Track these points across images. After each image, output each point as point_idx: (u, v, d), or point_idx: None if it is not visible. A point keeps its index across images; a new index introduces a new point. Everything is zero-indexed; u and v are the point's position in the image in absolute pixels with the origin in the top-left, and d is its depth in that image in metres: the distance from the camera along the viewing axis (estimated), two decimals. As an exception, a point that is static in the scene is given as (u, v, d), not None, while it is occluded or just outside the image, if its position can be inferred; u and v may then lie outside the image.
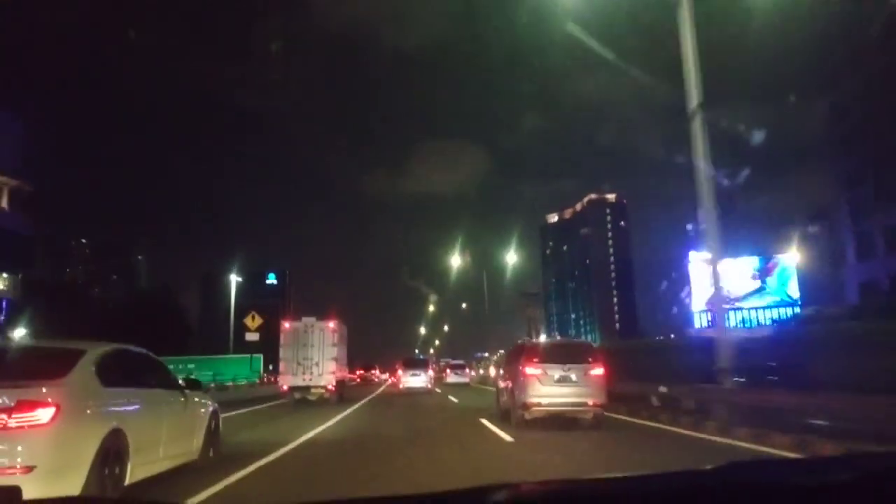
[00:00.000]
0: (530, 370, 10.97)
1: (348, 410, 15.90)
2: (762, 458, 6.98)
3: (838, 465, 2.01)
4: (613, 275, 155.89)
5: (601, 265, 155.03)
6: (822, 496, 1.51)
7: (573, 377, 10.84)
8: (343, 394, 20.98)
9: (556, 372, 10.86)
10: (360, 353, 56.89)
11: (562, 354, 11.42)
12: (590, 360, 11.26)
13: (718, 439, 9.10)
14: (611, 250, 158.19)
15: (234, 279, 38.90)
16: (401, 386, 31.53)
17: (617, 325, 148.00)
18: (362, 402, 20.13)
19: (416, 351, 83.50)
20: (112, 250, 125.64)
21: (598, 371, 11.09)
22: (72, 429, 4.51)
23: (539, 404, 10.81)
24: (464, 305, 62.45)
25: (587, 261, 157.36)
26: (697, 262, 55.96)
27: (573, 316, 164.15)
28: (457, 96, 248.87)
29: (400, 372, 33.37)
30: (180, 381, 6.88)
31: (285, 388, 19.61)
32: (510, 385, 12.17)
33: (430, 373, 33.19)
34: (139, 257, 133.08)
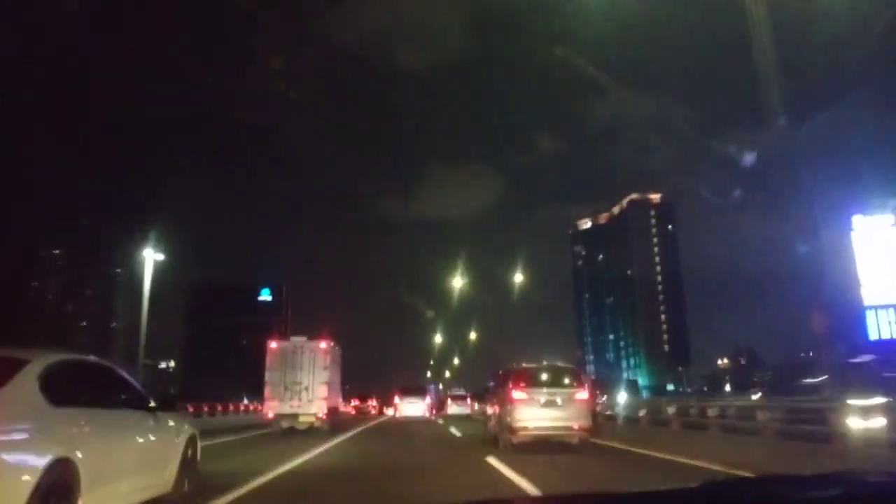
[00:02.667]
0: (517, 394, 12.34)
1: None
2: (742, 477, 7.07)
3: (824, 483, 2.17)
4: (660, 287, 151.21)
5: (646, 276, 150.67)
6: None
7: (559, 401, 12.23)
8: (336, 422, 20.96)
9: (542, 396, 12.26)
10: (364, 380, 56.31)
11: (547, 379, 12.85)
12: (575, 384, 12.64)
13: None
14: (657, 259, 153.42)
15: (151, 256, 27.91)
16: (397, 414, 32.60)
17: (665, 346, 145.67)
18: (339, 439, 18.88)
19: (428, 374, 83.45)
20: (89, 262, 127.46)
21: (583, 395, 12.51)
22: (1, 457, 3.98)
23: (525, 428, 12.11)
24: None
25: (628, 271, 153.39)
26: (872, 232, 40.55)
27: (611, 336, 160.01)
28: (470, 117, 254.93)
29: (397, 399, 34.67)
30: (151, 402, 6.55)
31: (271, 415, 19.53)
32: (498, 410, 13.47)
33: (429, 400, 34.16)
34: (117, 270, 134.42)
